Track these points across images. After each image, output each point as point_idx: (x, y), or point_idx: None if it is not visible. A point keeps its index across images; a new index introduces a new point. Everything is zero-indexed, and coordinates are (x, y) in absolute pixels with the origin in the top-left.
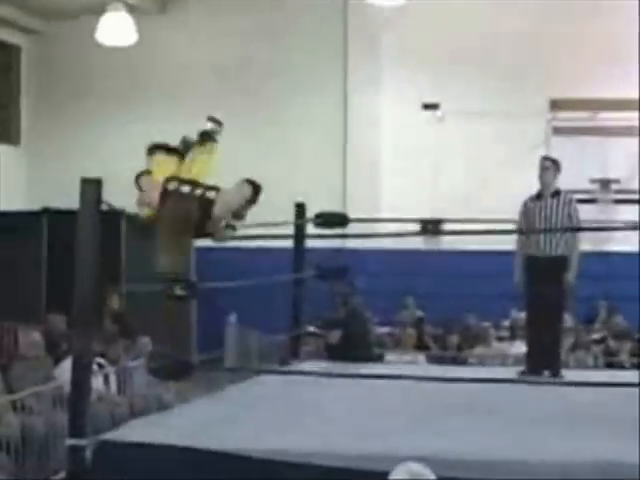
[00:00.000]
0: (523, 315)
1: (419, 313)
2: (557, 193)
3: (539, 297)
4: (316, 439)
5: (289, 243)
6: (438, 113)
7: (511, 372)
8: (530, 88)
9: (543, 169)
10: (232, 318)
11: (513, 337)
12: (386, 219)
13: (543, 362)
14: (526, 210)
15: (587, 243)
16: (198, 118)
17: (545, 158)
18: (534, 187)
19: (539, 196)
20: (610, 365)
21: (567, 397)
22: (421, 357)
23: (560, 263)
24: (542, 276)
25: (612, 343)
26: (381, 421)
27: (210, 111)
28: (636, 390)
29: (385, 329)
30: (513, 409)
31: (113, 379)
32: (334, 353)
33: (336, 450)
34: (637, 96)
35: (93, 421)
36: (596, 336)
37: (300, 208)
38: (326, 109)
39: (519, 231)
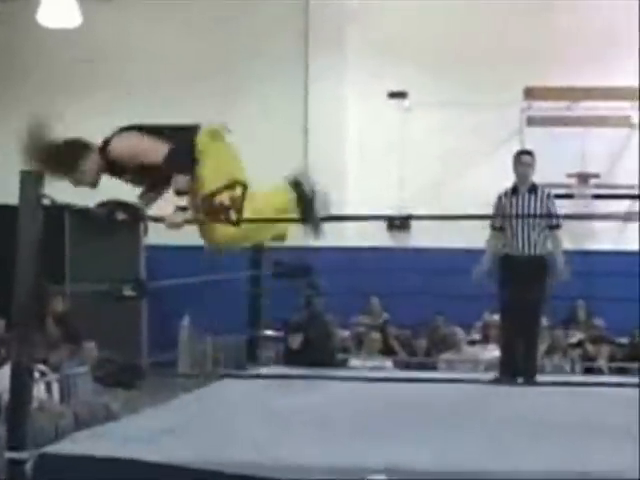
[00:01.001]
0: (496, 317)
1: (385, 315)
2: (534, 188)
3: (516, 299)
4: (266, 450)
5: None
6: (405, 103)
7: (483, 378)
8: (503, 76)
9: (520, 163)
10: (185, 320)
11: (485, 341)
12: (351, 216)
13: (517, 368)
14: (501, 206)
15: (565, 241)
16: (145, 109)
17: (522, 152)
18: (506, 180)
19: (515, 191)
20: (588, 370)
21: (539, 402)
22: (388, 363)
23: (538, 263)
24: (519, 277)
25: (590, 347)
26: (342, 429)
27: (157, 99)
28: (614, 395)
29: (348, 332)
30: (480, 415)
31: (56, 387)
32: (295, 358)
33: (302, 462)
34: (618, 84)
35: (34, 433)
36: (573, 340)
37: None
38: (287, 101)
39: (493, 227)
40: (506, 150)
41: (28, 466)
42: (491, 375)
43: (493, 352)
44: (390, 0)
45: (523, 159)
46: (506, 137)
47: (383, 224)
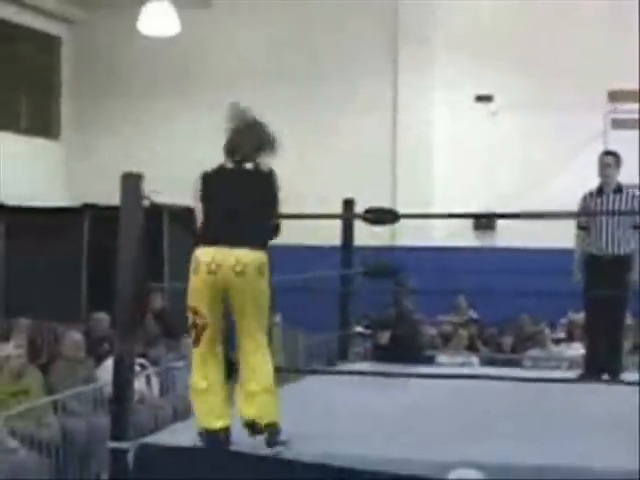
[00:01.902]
0: (581, 316)
1: (472, 313)
2: (619, 189)
3: (601, 298)
4: (367, 444)
5: (337, 241)
6: (492, 106)
7: (568, 375)
8: (587, 79)
9: (605, 165)
10: (277, 318)
11: (570, 339)
12: (438, 214)
13: (603, 365)
14: (586, 206)
15: None
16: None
17: (607, 153)
18: (591, 182)
19: (600, 192)
20: None
21: (627, 401)
22: (474, 359)
23: (624, 263)
24: (604, 276)
25: None
26: (434, 425)
27: (254, 104)
28: None
29: (436, 330)
30: (570, 412)
31: (155, 380)
32: (383, 354)
33: (388, 456)
34: None
35: (135, 424)
36: None
37: (348, 204)
38: (376, 102)
39: (579, 226)
40: (590, 152)
41: (129, 455)
42: (575, 372)
43: (578, 350)
44: (477, 2)
45: (606, 160)
46: (590, 139)
47: (470, 224)
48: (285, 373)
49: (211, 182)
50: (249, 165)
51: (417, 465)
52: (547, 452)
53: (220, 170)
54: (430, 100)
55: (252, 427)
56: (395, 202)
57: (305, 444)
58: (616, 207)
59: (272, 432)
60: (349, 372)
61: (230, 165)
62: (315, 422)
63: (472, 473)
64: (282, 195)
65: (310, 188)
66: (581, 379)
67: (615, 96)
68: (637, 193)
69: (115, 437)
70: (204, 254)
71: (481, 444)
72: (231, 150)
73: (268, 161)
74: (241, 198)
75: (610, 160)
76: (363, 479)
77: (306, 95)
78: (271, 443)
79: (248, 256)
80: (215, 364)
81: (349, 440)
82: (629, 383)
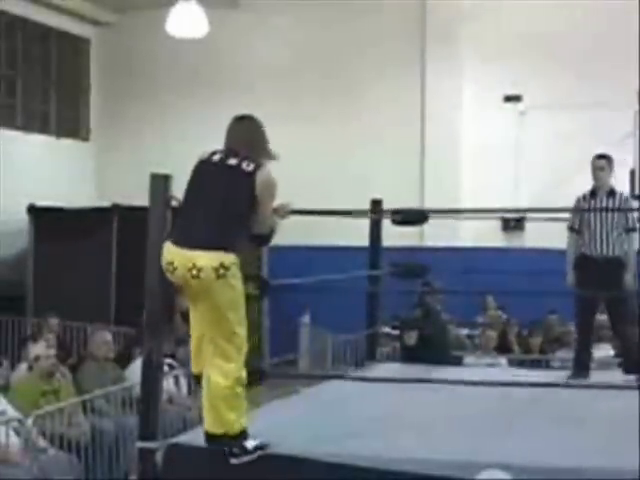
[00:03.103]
0: (605, 317)
1: (500, 314)
2: (612, 192)
3: (593, 299)
4: (398, 445)
5: (365, 241)
6: (520, 106)
7: (596, 376)
8: (616, 79)
9: (598, 168)
10: (306, 318)
11: (598, 340)
12: (466, 212)
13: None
14: (579, 208)
15: None
16: (270, 112)
17: (600, 156)
18: (622, 183)
19: (593, 194)
20: None
21: None
22: (502, 360)
23: (616, 264)
24: (597, 277)
25: None
26: (461, 427)
27: (282, 104)
28: None
29: (465, 331)
30: (598, 414)
31: (184, 381)
32: (411, 355)
33: (419, 456)
34: None
35: (164, 424)
36: None
37: (377, 204)
38: (404, 102)
39: (571, 229)
40: (621, 152)
41: (158, 455)
42: (605, 373)
43: (606, 351)
44: (505, 1)
45: (599, 163)
46: (621, 139)
47: (498, 225)
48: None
49: (194, 173)
50: (233, 160)
51: (445, 465)
52: (581, 455)
53: (205, 161)
54: (458, 100)
55: (208, 438)
56: (423, 202)
57: (330, 445)
58: (609, 209)
59: (227, 443)
60: (372, 379)
61: (215, 158)
62: (341, 423)
63: (500, 473)
64: (272, 194)
65: (339, 187)
66: (570, 380)
67: None
68: (628, 196)
69: (144, 437)
70: (167, 252)
71: (505, 445)
72: (224, 144)
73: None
74: (213, 194)
75: (603, 163)
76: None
77: (334, 99)
78: (229, 453)
79: (203, 258)
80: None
81: (375, 440)
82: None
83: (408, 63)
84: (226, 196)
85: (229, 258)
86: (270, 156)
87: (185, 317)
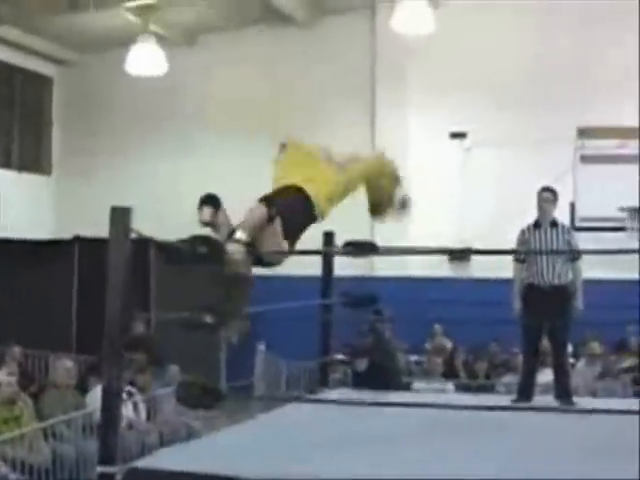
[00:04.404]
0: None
1: (447, 341)
2: (555, 223)
3: (540, 327)
4: (342, 468)
5: (317, 271)
6: (466, 142)
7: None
8: (558, 116)
9: (544, 200)
10: (261, 346)
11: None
12: (414, 248)
13: (556, 390)
14: (525, 240)
15: (618, 270)
16: (227, 147)
17: (545, 189)
18: (562, 215)
19: (537, 225)
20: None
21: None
22: (449, 385)
23: (563, 292)
24: (544, 305)
25: None
26: (404, 450)
27: (239, 139)
28: None
29: (414, 357)
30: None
31: (142, 407)
32: (361, 381)
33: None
34: None
35: (123, 448)
36: (626, 364)
37: (328, 237)
38: (354, 139)
39: (518, 260)
40: (561, 187)
41: (118, 479)
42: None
43: (548, 376)
44: (452, 41)
45: (545, 195)
46: (560, 175)
47: (445, 256)
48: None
49: None
50: None
51: None
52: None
53: None
54: (406, 136)
55: None
56: (373, 234)
57: (286, 468)
58: (554, 239)
59: None
60: (327, 400)
61: None
62: (293, 448)
63: None
64: None
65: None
66: (514, 403)
67: (584, 133)
68: (569, 227)
69: (103, 462)
70: None
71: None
72: None
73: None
74: None
75: (549, 196)
76: None
77: (285, 132)
78: None
79: None
80: None
81: (325, 464)
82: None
83: (359, 99)
84: None
85: None
86: None
87: (143, 346)
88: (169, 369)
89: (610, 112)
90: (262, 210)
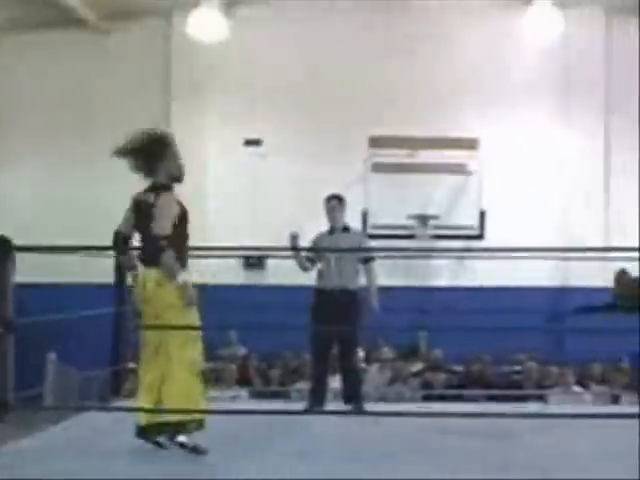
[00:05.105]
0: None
1: (242, 349)
2: (347, 228)
3: (330, 331)
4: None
5: (110, 279)
6: (260, 149)
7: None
8: (350, 126)
9: (331, 208)
10: (52, 356)
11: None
12: (209, 254)
13: (346, 396)
14: (318, 245)
15: (409, 277)
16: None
17: (332, 197)
18: (354, 222)
19: (330, 232)
20: (427, 398)
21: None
22: (244, 392)
23: (351, 297)
24: (333, 310)
25: (429, 375)
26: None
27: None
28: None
29: (208, 365)
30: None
31: None
32: None
33: None
34: (455, 135)
35: None
36: (415, 369)
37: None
38: None
39: (309, 259)
40: (352, 195)
41: None
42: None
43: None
44: (247, 50)
45: (332, 203)
46: (353, 183)
47: (240, 263)
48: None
49: None
50: None
51: None
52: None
53: None
54: (203, 144)
55: None
56: None
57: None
58: (346, 244)
59: None
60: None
61: None
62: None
63: None
64: None
65: (86, 223)
66: (307, 411)
67: (375, 142)
68: (362, 231)
69: None
70: None
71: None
72: None
73: None
74: None
75: (335, 203)
76: None
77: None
78: None
79: None
80: None
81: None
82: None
83: (154, 112)
84: None
85: None
86: None
87: None
88: None
89: (400, 123)
90: None
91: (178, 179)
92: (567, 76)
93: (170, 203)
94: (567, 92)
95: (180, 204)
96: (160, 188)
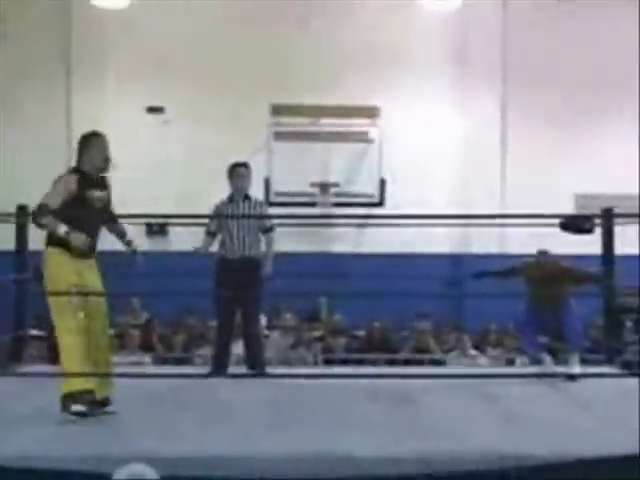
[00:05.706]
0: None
1: (145, 314)
2: (247, 197)
3: (232, 298)
4: (43, 443)
5: (11, 246)
6: (162, 117)
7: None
8: (251, 93)
9: (238, 175)
10: None
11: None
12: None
13: (249, 361)
14: (218, 213)
15: (311, 244)
16: None
17: (237, 164)
18: (257, 190)
19: (231, 200)
20: (328, 362)
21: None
22: (147, 358)
23: (253, 264)
24: (235, 277)
25: (330, 340)
26: (107, 422)
27: None
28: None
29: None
30: (217, 404)
31: None
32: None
33: (53, 453)
34: (357, 104)
35: None
36: (317, 333)
37: (22, 210)
38: (48, 116)
39: (208, 232)
40: (254, 163)
41: None
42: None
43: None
44: (150, 18)
45: (239, 171)
46: (255, 151)
47: (142, 230)
48: None
49: None
50: None
51: (88, 460)
52: (213, 443)
53: None
54: (104, 112)
55: None
56: None
57: None
58: (245, 212)
59: None
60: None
61: None
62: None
63: (140, 467)
64: None
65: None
66: (210, 375)
67: (278, 110)
68: (262, 200)
69: None
70: None
71: (150, 438)
72: None
73: None
74: None
75: (243, 171)
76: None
77: None
78: None
79: None
80: None
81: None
82: (278, 375)
83: (53, 79)
84: None
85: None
86: None
87: None
88: None
89: (302, 91)
90: None
91: (102, 169)
92: (465, 45)
93: (62, 181)
94: (465, 61)
95: (77, 184)
96: (74, 173)
